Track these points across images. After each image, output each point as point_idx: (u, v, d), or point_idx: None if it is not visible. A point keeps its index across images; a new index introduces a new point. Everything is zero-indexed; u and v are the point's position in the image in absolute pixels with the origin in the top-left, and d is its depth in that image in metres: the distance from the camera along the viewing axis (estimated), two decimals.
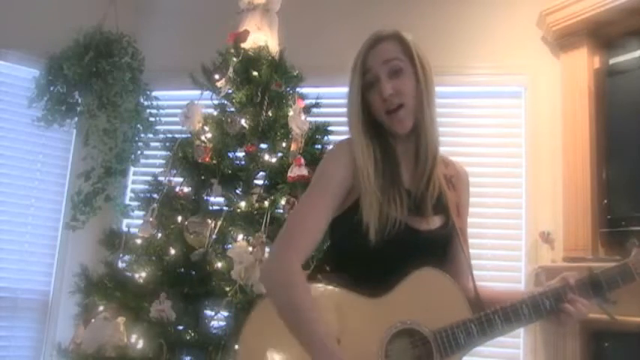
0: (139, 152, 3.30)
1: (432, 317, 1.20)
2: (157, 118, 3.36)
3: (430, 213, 1.29)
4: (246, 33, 2.66)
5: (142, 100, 3.31)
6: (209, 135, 2.54)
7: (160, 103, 3.38)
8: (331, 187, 1.27)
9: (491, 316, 1.22)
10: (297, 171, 2.33)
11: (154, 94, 3.37)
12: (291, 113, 2.53)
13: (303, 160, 2.36)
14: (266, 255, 2.20)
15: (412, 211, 1.27)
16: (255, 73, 2.60)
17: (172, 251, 2.37)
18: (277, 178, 2.44)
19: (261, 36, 2.71)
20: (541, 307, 1.24)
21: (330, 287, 1.22)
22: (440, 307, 1.22)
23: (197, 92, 2.67)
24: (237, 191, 2.48)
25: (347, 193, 1.28)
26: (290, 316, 1.14)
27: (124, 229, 3.00)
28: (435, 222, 1.30)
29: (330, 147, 1.33)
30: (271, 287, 1.21)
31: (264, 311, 1.20)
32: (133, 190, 2.88)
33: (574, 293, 1.24)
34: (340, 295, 1.22)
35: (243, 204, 2.37)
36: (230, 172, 2.48)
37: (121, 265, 2.45)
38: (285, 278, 1.18)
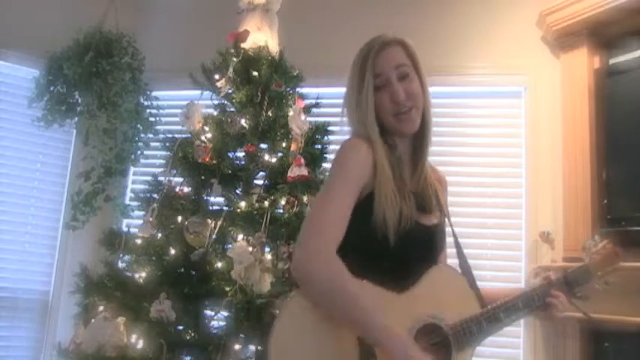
0: (139, 152, 3.30)
1: (451, 312, 1.28)
2: (157, 118, 3.36)
3: (433, 210, 1.37)
4: (246, 33, 2.66)
5: (142, 100, 3.31)
6: (209, 135, 2.53)
7: (160, 103, 3.38)
8: (350, 181, 1.28)
9: (496, 310, 1.32)
10: (297, 171, 2.33)
11: (154, 94, 3.37)
12: (291, 113, 2.52)
13: (303, 160, 2.36)
14: (266, 255, 2.21)
15: (419, 209, 1.34)
16: (255, 73, 2.60)
17: (172, 251, 2.36)
18: (277, 178, 2.43)
19: (261, 36, 2.70)
20: (532, 302, 1.37)
21: (358, 281, 1.22)
22: (456, 303, 1.30)
23: (197, 92, 2.66)
24: (237, 191, 2.48)
25: (362, 190, 1.29)
26: (343, 306, 1.16)
27: (124, 229, 2.98)
28: (435, 219, 1.39)
29: (344, 144, 1.34)
30: (313, 279, 1.18)
31: (295, 309, 1.21)
32: (133, 190, 2.87)
33: (556, 289, 1.40)
34: (368, 288, 1.22)
35: (243, 204, 2.36)
36: (230, 172, 2.48)
37: (121, 265, 2.45)
38: (328, 268, 1.17)
